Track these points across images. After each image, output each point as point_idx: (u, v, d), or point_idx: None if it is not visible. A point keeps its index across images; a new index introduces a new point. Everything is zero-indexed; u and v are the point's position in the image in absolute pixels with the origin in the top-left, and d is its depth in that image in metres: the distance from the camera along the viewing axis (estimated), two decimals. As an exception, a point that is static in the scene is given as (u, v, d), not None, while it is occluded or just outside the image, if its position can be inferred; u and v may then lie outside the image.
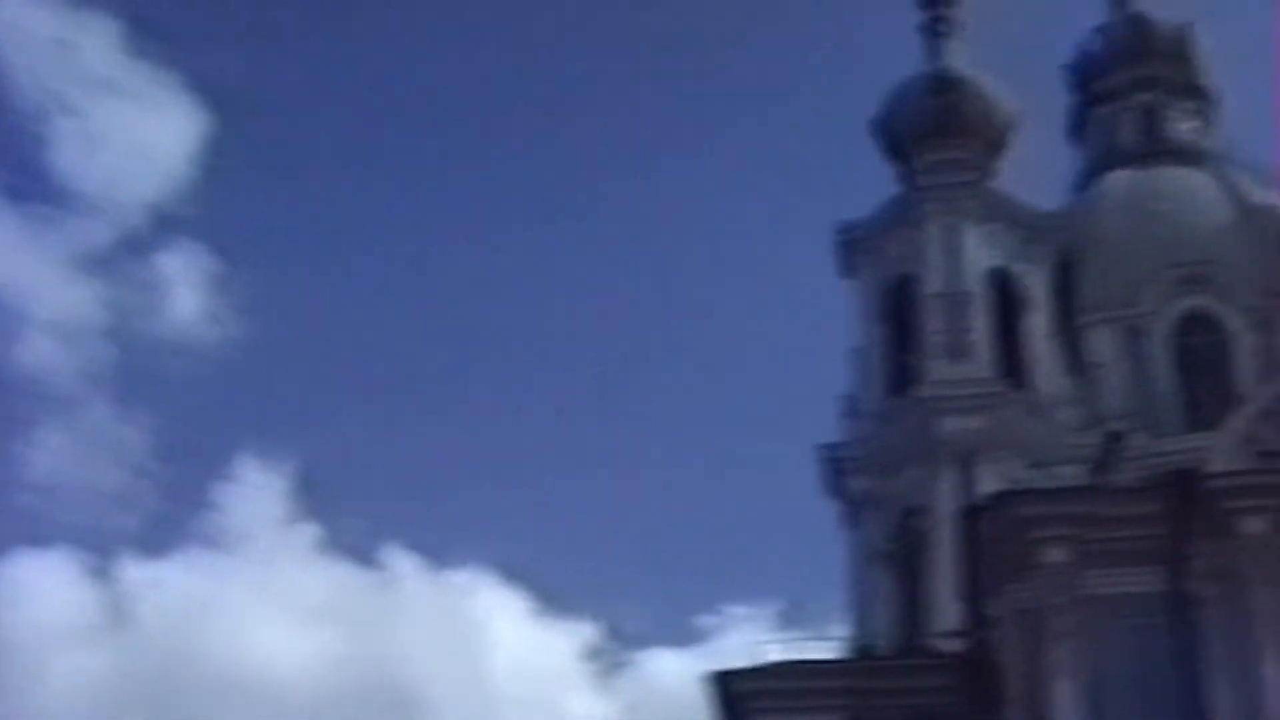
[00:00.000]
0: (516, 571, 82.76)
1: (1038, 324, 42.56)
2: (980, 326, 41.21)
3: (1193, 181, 46.98)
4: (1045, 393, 41.07)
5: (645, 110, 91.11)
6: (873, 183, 46.61)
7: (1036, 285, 43.17)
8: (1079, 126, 52.07)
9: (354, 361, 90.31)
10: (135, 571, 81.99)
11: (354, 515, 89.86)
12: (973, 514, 30.51)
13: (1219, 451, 28.76)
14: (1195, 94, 51.21)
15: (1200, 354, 41.99)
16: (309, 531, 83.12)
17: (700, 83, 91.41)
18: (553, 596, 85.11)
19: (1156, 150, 49.10)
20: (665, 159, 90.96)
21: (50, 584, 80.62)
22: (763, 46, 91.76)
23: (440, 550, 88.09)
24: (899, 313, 42.94)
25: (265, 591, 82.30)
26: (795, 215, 74.84)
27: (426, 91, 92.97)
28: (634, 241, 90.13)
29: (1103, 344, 42.56)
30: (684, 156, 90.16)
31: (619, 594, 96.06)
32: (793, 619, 70.77)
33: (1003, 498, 30.16)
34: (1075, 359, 42.42)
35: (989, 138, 45.54)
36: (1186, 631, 27.33)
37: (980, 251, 42.55)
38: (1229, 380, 40.50)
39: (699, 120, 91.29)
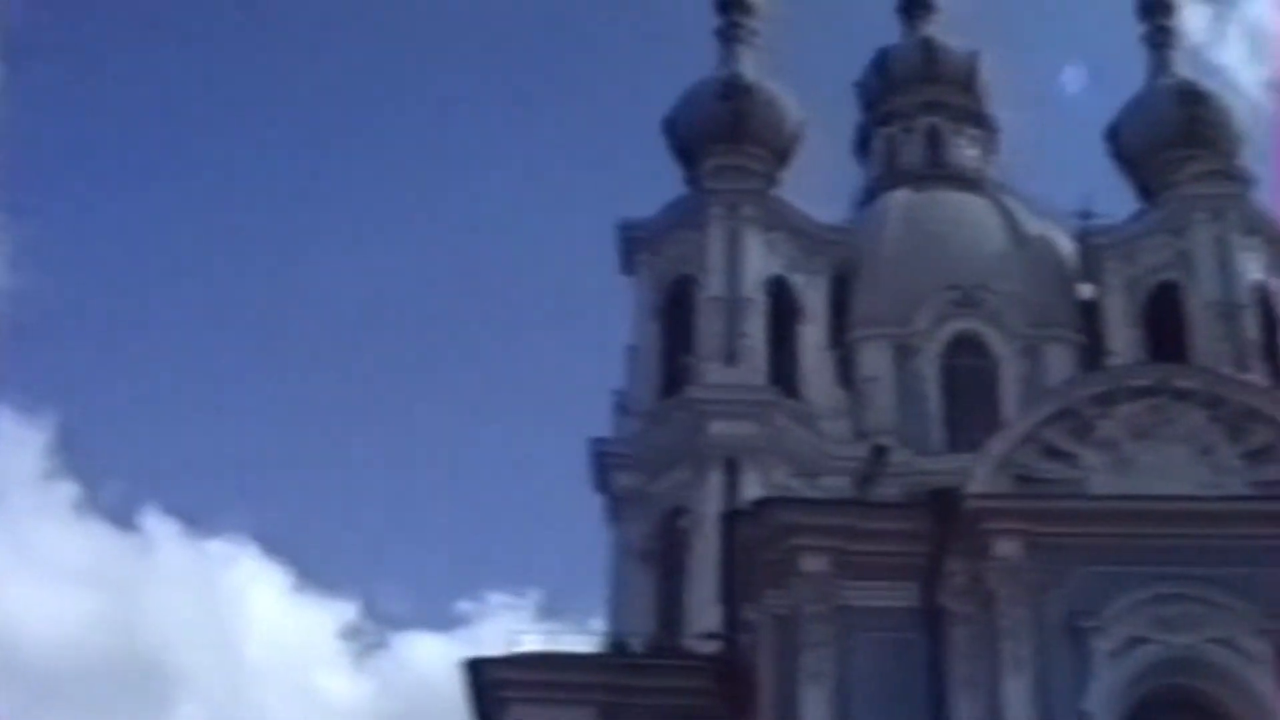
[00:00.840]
0: (277, 544, 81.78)
1: (813, 335, 42.96)
2: (756, 333, 41.47)
3: (971, 207, 47.90)
4: (816, 403, 41.47)
5: (433, 100, 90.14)
6: (664, 183, 46.77)
7: (814, 296, 43.57)
8: (865, 143, 52.77)
9: (121, 319, 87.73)
10: (-122, 525, 78.63)
11: (114, 476, 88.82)
12: (734, 518, 30.62)
13: (978, 473, 29.19)
14: (978, 121, 52.25)
15: (968, 376, 42.73)
16: (67, 490, 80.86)
17: (492, 74, 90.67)
18: (313, 572, 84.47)
19: (938, 173, 49.99)
20: (452, 149, 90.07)
21: None
22: (557, 40, 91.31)
23: (200, 517, 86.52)
24: (676, 313, 43.07)
25: (18, 550, 79.71)
26: (584, 210, 74.46)
27: (212, 52, 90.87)
28: (418, 226, 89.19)
29: (874, 360, 43.06)
30: (471, 148, 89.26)
31: (380, 574, 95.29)
32: (553, 611, 71.51)
33: (765, 504, 30.29)
34: (847, 372, 42.92)
35: (776, 146, 45.82)
36: (937, 646, 27.70)
37: (760, 259, 42.82)
38: (995, 404, 41.36)
39: (488, 111, 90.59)
